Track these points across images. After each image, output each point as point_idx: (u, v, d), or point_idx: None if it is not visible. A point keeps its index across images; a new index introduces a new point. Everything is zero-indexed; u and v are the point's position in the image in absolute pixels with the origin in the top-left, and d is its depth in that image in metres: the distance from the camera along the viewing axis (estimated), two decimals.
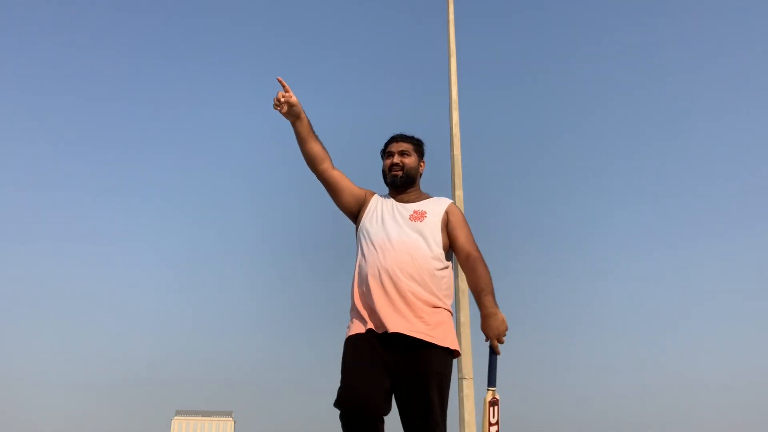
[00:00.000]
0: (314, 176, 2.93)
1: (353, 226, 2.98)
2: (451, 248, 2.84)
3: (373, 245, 2.74)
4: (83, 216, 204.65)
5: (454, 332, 2.71)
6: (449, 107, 9.57)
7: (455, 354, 2.65)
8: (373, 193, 2.98)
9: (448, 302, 2.74)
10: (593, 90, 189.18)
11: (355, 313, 2.72)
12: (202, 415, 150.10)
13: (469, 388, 7.64)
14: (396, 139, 3.00)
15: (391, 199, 2.94)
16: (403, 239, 2.72)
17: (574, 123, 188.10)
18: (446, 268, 2.77)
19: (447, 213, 2.86)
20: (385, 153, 3.00)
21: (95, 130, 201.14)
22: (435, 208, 2.87)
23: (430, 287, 2.67)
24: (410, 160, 2.94)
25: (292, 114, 2.83)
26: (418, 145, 3.01)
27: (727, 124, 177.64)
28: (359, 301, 2.71)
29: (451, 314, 2.74)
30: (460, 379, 7.72)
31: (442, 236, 2.80)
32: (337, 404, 2.48)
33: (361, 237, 2.84)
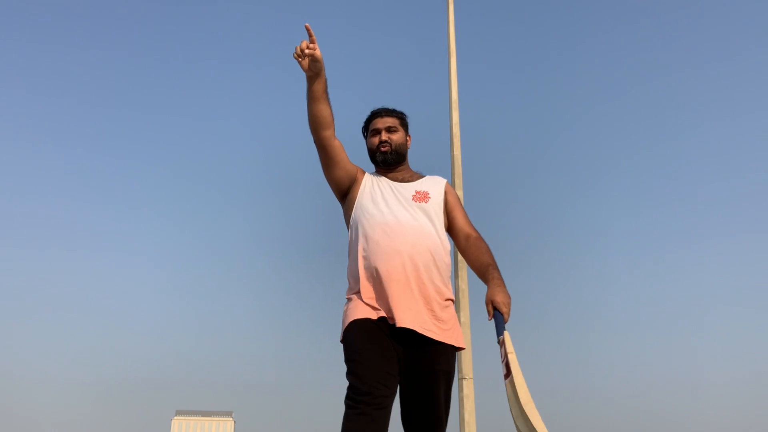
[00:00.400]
0: (319, 175, 2.76)
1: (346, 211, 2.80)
2: (447, 231, 2.74)
3: (381, 228, 2.56)
4: (83, 217, 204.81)
5: (460, 327, 2.63)
6: (449, 107, 9.57)
7: (460, 350, 2.58)
8: (363, 171, 2.79)
9: (451, 291, 2.62)
10: (594, 89, 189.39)
11: (360, 296, 2.52)
12: (202, 415, 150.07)
13: (469, 388, 7.62)
14: (380, 114, 2.81)
15: (385, 178, 2.76)
16: (413, 223, 2.57)
17: (574, 122, 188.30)
18: (448, 253, 2.65)
19: (446, 193, 2.77)
20: (370, 131, 2.82)
21: (93, 133, 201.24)
22: (435, 188, 2.75)
23: (441, 275, 2.56)
24: (398, 136, 2.78)
25: (313, 69, 2.53)
26: (402, 119, 2.84)
27: (728, 124, 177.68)
28: (367, 285, 2.52)
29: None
30: (460, 379, 7.70)
31: (444, 218, 2.71)
32: (353, 402, 2.28)
33: (362, 217, 2.63)
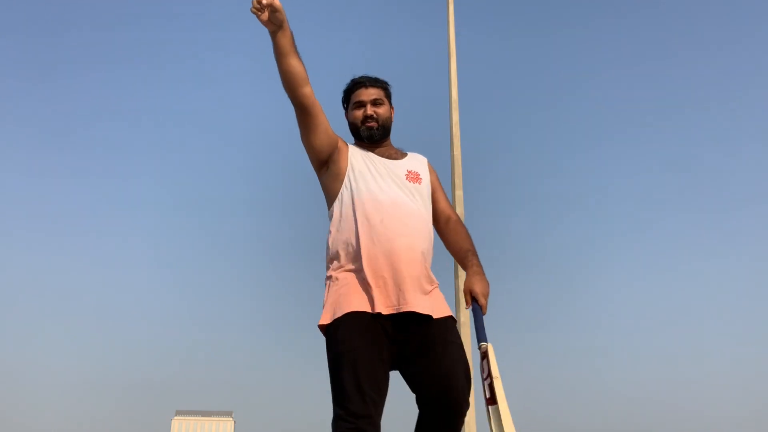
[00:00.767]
0: (305, 161, 2.56)
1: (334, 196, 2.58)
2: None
3: (384, 207, 2.41)
4: (83, 216, 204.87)
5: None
6: (449, 107, 9.58)
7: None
8: (346, 143, 2.58)
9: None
10: (594, 89, 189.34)
11: (364, 275, 2.34)
12: (202, 415, 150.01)
13: None
14: (363, 84, 2.59)
15: (372, 154, 2.56)
16: (412, 205, 2.46)
17: (575, 122, 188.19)
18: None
19: (430, 174, 2.64)
20: (352, 102, 2.60)
21: (93, 133, 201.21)
22: (422, 169, 2.61)
23: (429, 260, 2.46)
24: (384, 110, 2.58)
25: (274, 22, 2.28)
26: (387, 89, 2.64)
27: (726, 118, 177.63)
28: (373, 265, 2.34)
29: None
30: None
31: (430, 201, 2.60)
32: (352, 420, 2.15)
33: (359, 194, 2.44)
